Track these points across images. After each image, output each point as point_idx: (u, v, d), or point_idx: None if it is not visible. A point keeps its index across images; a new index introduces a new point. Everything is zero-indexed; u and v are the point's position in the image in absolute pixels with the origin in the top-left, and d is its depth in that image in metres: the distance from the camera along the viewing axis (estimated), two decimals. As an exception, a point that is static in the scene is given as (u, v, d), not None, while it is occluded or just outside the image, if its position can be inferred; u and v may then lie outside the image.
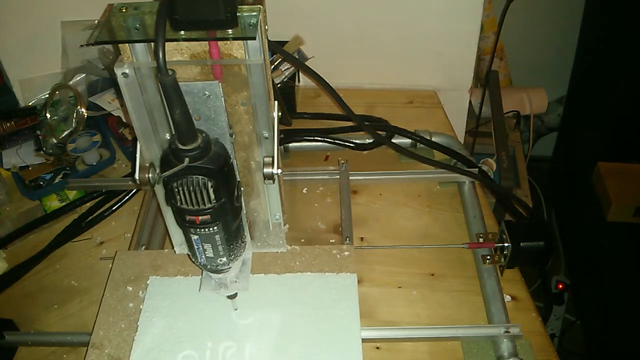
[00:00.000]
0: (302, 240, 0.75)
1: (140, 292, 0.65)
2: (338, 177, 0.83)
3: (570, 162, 1.79)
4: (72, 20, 0.95)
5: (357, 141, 0.89)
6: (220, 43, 0.45)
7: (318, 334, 0.60)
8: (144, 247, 0.73)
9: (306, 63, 0.92)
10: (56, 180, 0.87)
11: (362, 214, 0.81)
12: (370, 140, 0.89)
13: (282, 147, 0.89)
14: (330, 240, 0.75)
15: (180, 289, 0.65)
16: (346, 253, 0.68)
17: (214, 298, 0.63)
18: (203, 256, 0.53)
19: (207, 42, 0.45)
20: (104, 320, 0.62)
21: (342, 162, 0.84)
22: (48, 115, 0.94)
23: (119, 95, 0.95)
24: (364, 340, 0.64)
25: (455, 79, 1.06)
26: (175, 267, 0.67)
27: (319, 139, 0.89)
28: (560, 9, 1.66)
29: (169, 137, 0.51)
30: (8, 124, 0.93)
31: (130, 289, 0.65)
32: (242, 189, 0.55)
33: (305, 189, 0.84)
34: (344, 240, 0.72)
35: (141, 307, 0.63)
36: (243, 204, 0.56)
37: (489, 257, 0.70)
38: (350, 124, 0.91)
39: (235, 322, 0.62)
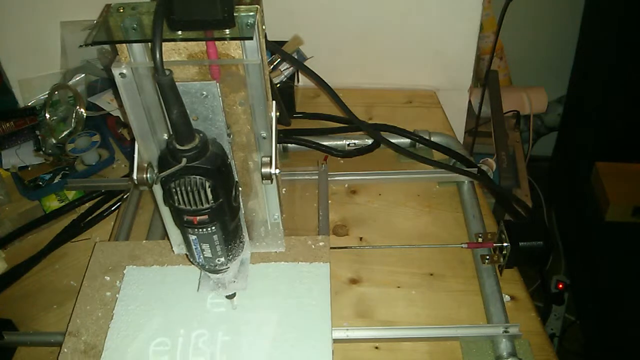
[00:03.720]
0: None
1: (118, 281, 0.66)
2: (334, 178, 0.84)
3: (570, 162, 1.79)
4: (71, 21, 0.95)
5: (355, 141, 0.89)
6: (217, 43, 0.45)
7: (290, 321, 0.61)
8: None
9: (305, 63, 0.93)
10: (55, 181, 0.87)
11: (361, 214, 0.81)
12: (359, 147, 0.89)
13: (280, 147, 0.89)
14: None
15: (156, 278, 0.66)
16: (321, 244, 0.69)
17: (188, 287, 0.65)
18: (201, 256, 0.53)
19: (204, 42, 0.45)
20: (81, 309, 0.64)
21: (322, 163, 0.85)
22: (47, 116, 0.94)
23: (118, 95, 0.95)
24: (363, 340, 0.64)
25: (455, 78, 1.06)
26: (153, 257, 0.68)
27: (304, 142, 0.88)
28: (560, 9, 1.66)
29: (166, 137, 0.51)
30: (7, 124, 0.93)
31: (108, 278, 0.67)
32: (240, 189, 0.55)
33: (284, 189, 0.84)
34: None
35: (117, 296, 0.64)
36: (241, 204, 0.56)
37: (488, 257, 0.70)
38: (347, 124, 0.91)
39: (208, 310, 0.63)
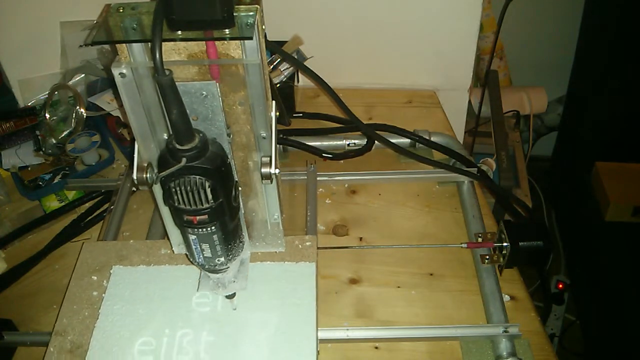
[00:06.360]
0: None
1: (105, 281, 0.66)
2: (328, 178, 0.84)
3: (570, 161, 1.79)
4: (71, 21, 0.95)
5: (356, 141, 0.89)
6: (217, 43, 0.45)
7: (274, 322, 0.61)
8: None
9: (305, 63, 0.93)
10: (55, 181, 0.87)
11: (361, 214, 0.81)
12: (354, 149, 0.88)
13: (280, 147, 0.89)
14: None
15: (142, 278, 0.66)
16: (308, 243, 0.68)
17: (174, 287, 0.65)
18: (201, 256, 0.53)
19: (204, 42, 0.45)
20: (68, 309, 0.64)
21: (311, 164, 0.85)
22: (47, 116, 0.94)
23: (117, 95, 0.95)
24: (363, 340, 0.64)
25: (455, 78, 1.06)
26: (140, 257, 0.69)
27: (290, 142, 0.88)
28: (560, 9, 1.66)
29: (166, 137, 0.51)
30: (7, 125, 0.93)
31: (95, 278, 0.67)
32: (239, 188, 0.55)
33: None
34: None
35: (104, 295, 0.65)
36: (241, 203, 0.56)
37: (487, 256, 0.70)
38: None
39: (193, 310, 0.63)
